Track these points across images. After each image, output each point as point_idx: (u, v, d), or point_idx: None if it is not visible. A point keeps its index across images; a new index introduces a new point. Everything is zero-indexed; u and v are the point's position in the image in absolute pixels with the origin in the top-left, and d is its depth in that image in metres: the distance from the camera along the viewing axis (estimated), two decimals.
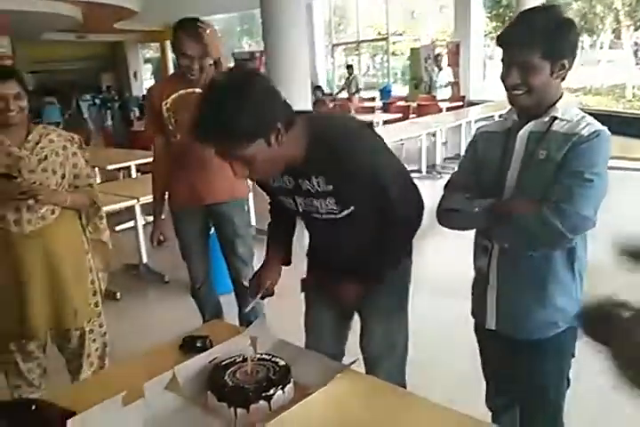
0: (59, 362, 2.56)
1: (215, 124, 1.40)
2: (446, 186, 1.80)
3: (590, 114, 1.60)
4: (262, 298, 1.91)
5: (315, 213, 1.70)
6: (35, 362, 2.48)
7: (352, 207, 1.66)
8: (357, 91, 13.19)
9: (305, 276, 1.99)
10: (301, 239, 2.06)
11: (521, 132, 1.62)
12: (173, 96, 2.76)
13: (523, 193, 1.61)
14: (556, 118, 1.57)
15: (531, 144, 1.60)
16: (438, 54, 12.45)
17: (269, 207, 1.99)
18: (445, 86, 11.43)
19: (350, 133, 1.61)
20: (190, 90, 2.72)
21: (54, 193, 2.25)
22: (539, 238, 1.57)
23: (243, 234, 2.91)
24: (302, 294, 2.00)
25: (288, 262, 1.97)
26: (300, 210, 1.72)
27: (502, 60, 1.55)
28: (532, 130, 1.61)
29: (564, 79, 1.58)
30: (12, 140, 2.22)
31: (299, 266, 2.01)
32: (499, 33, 1.55)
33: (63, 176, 2.29)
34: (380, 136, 1.70)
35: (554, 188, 1.52)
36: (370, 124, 1.71)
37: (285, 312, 1.80)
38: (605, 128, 1.56)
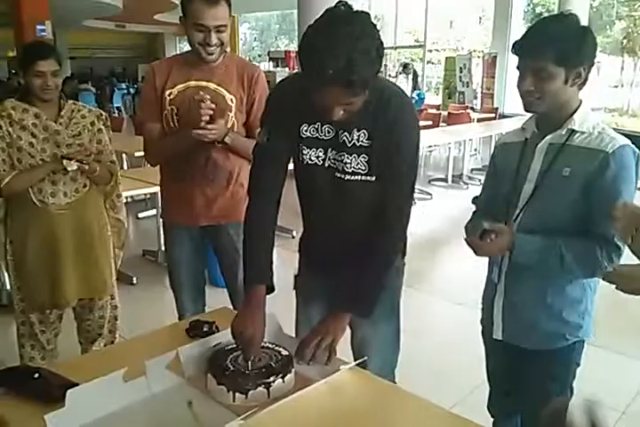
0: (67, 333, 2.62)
1: (367, 65, 1.30)
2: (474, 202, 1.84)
3: (626, 135, 1.56)
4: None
5: (339, 173, 1.59)
6: (53, 332, 2.56)
7: (374, 177, 1.57)
8: None
9: (297, 271, 1.88)
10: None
11: (540, 144, 1.60)
12: (180, 86, 2.17)
13: (538, 208, 1.59)
14: (574, 131, 1.55)
15: (549, 157, 1.58)
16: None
17: (255, 193, 1.67)
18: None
19: (405, 98, 1.60)
20: (203, 82, 2.17)
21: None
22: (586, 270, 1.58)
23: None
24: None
25: (272, 289, 1.64)
26: (326, 165, 1.60)
27: (517, 68, 1.54)
28: (551, 142, 1.59)
29: (581, 88, 1.55)
30: (46, 115, 2.30)
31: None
32: (514, 41, 1.53)
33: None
34: None
35: (594, 216, 1.51)
36: None
37: (281, 306, 1.77)
38: (628, 141, 1.53)
